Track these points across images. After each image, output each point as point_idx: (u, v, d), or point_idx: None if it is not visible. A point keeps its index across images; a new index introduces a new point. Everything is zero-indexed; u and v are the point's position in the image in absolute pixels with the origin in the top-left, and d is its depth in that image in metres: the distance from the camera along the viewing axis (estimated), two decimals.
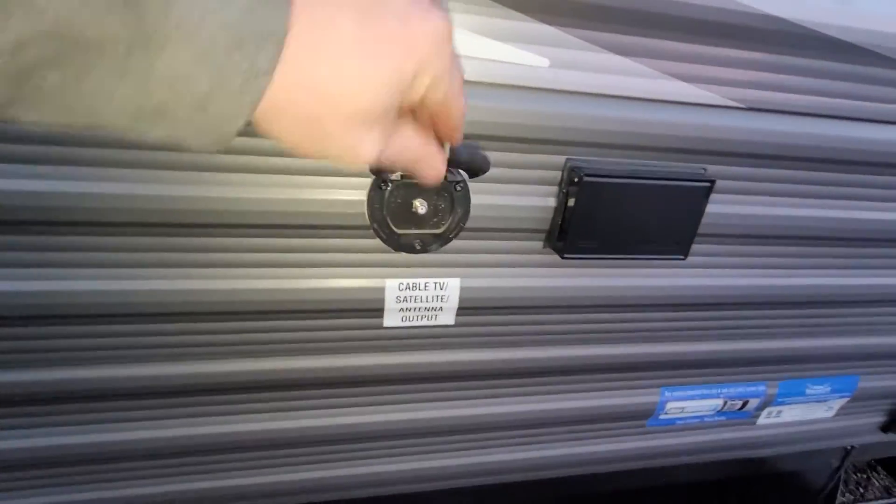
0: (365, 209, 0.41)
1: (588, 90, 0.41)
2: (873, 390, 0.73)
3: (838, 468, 0.84)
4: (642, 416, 0.65)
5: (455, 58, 0.22)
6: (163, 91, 0.16)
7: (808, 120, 0.47)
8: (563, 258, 0.46)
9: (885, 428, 0.79)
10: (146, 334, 0.44)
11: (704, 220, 0.47)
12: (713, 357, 0.62)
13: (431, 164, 0.26)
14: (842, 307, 0.63)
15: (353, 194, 0.41)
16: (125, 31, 0.15)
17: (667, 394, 0.64)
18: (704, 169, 0.46)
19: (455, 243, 0.45)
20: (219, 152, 0.20)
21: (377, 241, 0.43)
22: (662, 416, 0.66)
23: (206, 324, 0.44)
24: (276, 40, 0.17)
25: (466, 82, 0.40)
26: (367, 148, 0.21)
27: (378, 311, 0.47)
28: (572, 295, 0.51)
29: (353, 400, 0.53)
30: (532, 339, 0.54)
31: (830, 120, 0.48)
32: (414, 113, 0.24)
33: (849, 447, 0.81)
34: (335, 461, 0.56)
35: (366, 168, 0.39)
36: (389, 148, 0.23)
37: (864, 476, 1.58)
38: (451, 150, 0.27)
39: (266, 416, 0.52)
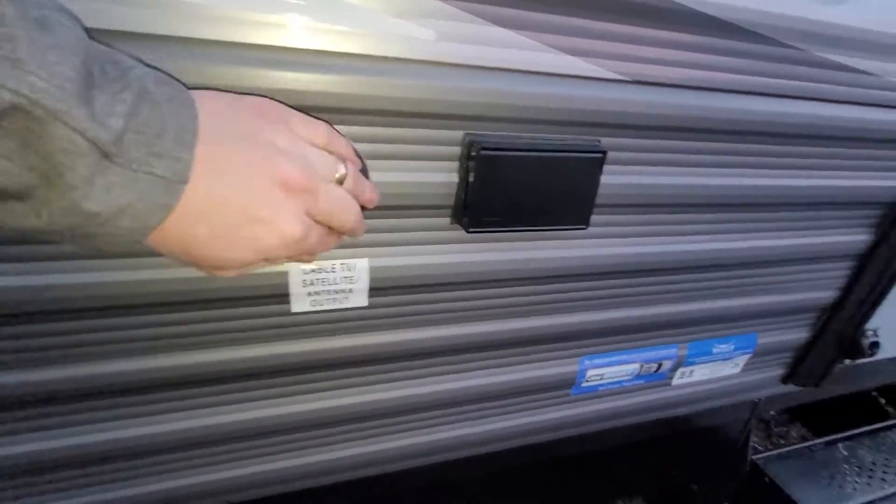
0: None
1: (481, 64, 0.42)
2: (771, 345, 0.80)
3: (748, 420, 0.91)
4: (566, 386, 0.68)
5: (307, 234, 0.30)
6: (62, 228, 0.23)
7: (692, 93, 0.50)
8: (468, 232, 0.47)
9: (784, 379, 0.87)
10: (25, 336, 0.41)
11: (602, 190, 0.50)
12: (627, 323, 0.65)
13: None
14: (739, 269, 0.68)
15: None
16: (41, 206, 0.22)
17: (586, 362, 0.67)
18: (598, 141, 0.48)
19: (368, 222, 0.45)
20: None
21: None
22: (585, 384, 0.69)
23: (92, 321, 0.41)
24: (167, 204, 0.25)
25: (357, 56, 0.39)
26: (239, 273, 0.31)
27: (284, 297, 0.46)
28: (483, 269, 0.52)
29: (268, 392, 0.51)
30: (449, 317, 0.54)
31: (713, 93, 0.51)
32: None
33: (756, 400, 0.88)
34: (252, 457, 0.55)
35: None
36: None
37: (784, 429, 1.73)
38: None
39: (181, 414, 0.49)
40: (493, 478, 0.76)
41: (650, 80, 0.47)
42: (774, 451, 1.00)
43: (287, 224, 0.28)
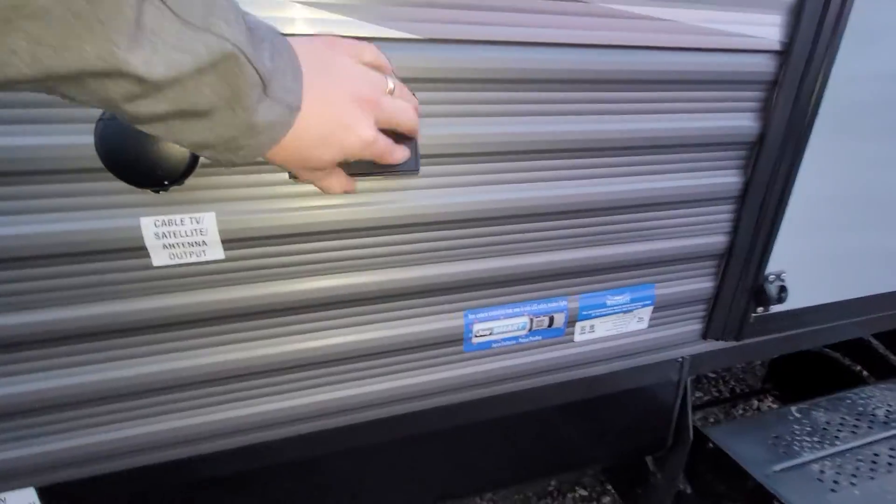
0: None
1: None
2: (675, 297, 0.81)
3: (679, 381, 0.90)
4: (454, 343, 0.70)
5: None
6: (224, 140, 0.33)
7: (500, 47, 0.57)
8: (293, 180, 0.53)
9: (704, 335, 0.87)
10: None
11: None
12: (509, 273, 0.68)
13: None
14: (619, 214, 0.71)
15: (82, 138, 0.47)
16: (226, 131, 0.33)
17: (470, 316, 0.70)
18: (413, 94, 0.55)
19: (207, 179, 0.52)
20: None
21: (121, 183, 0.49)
22: (475, 340, 0.71)
23: None
24: (289, 123, 0.36)
25: None
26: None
27: (142, 250, 0.52)
28: (341, 219, 0.57)
29: (135, 350, 0.57)
30: (311, 269, 0.59)
31: (511, 46, 0.58)
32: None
33: (679, 359, 0.88)
34: (124, 420, 0.59)
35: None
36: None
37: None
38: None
39: (40, 374, 0.55)
40: (410, 443, 0.77)
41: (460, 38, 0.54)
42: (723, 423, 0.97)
43: (363, 129, 0.40)
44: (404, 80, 0.54)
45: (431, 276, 0.65)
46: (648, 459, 1.02)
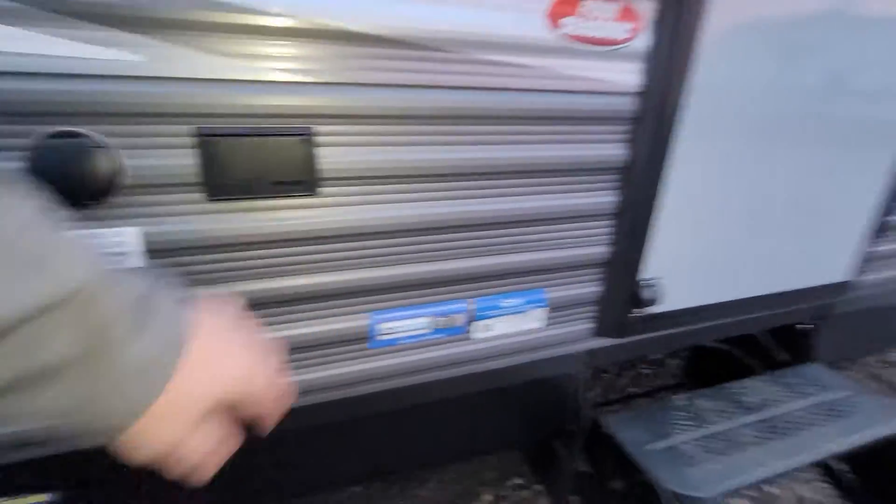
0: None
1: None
2: (566, 300, 0.93)
3: (575, 374, 1.02)
4: (360, 340, 0.80)
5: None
6: (83, 401, 0.28)
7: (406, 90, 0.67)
8: (210, 201, 0.62)
9: (596, 333, 1.00)
10: None
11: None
12: (411, 280, 0.79)
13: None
14: (508, 228, 0.83)
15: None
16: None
17: (376, 317, 0.80)
18: (310, 127, 0.64)
19: (134, 198, 0.60)
20: None
21: None
22: (380, 338, 0.81)
23: None
24: (144, 409, 0.30)
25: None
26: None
27: None
28: (259, 232, 0.66)
29: None
30: (229, 276, 0.68)
31: (420, 89, 0.68)
32: None
33: (574, 353, 1.00)
34: None
35: None
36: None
37: None
38: None
39: None
40: (327, 430, 0.86)
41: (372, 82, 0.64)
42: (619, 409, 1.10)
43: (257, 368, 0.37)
44: (313, 118, 0.64)
45: (339, 282, 0.75)
46: (557, 444, 1.14)
